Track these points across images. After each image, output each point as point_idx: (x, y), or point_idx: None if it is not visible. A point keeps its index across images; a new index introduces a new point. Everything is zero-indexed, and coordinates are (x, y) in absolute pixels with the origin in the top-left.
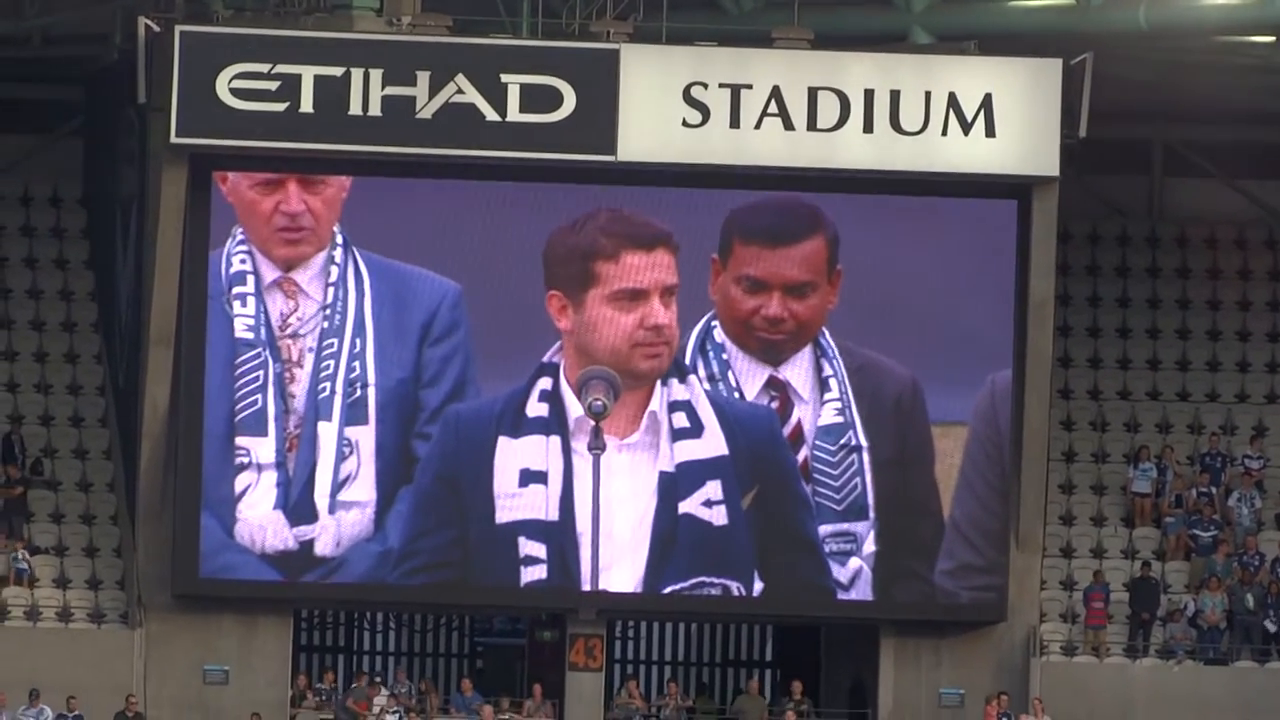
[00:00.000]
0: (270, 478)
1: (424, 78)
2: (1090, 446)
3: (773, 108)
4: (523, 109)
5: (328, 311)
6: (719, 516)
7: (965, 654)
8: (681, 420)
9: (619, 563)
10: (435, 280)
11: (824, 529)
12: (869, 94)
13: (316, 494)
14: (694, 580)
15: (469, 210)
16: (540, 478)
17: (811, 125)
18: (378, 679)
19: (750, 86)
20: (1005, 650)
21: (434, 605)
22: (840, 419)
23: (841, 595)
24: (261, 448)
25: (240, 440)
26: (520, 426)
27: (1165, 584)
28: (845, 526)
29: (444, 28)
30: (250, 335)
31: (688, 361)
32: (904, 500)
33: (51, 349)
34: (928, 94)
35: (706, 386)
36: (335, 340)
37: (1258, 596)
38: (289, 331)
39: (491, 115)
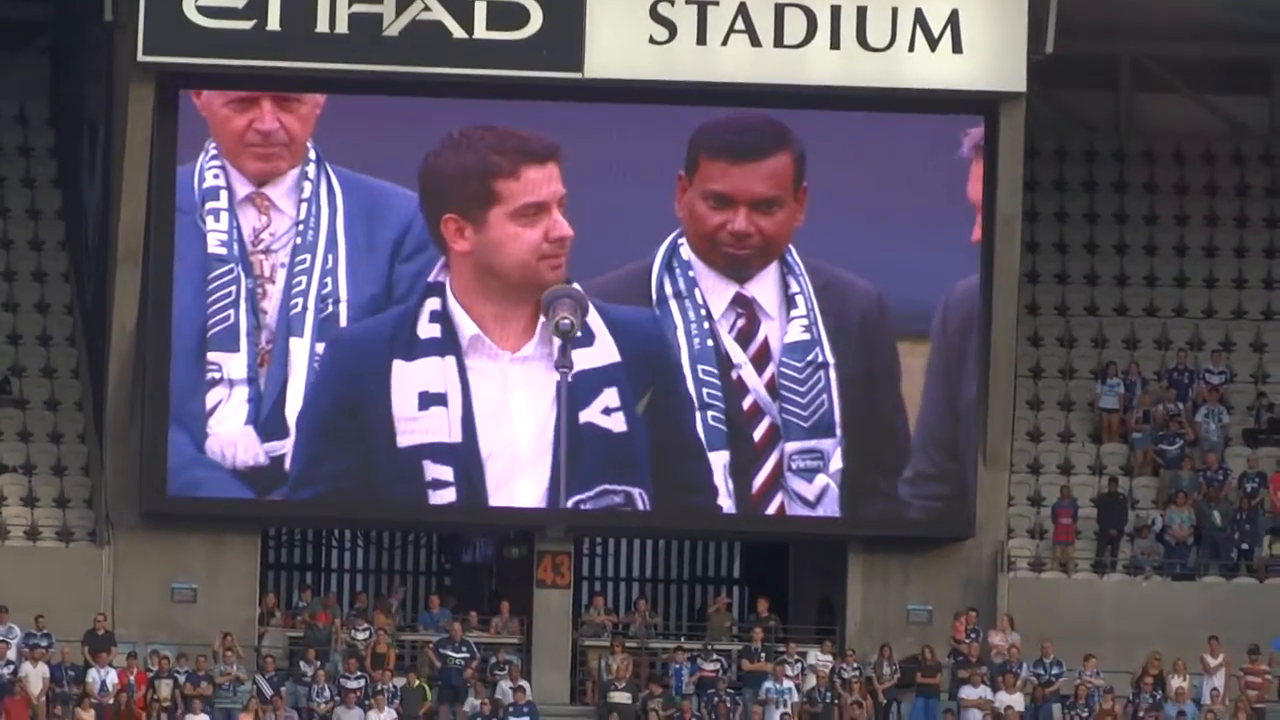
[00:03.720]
0: (242, 393)
1: None
2: (1058, 362)
3: (740, 24)
4: (490, 26)
5: (300, 227)
6: (618, 423)
7: (933, 570)
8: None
9: (523, 475)
10: (408, 196)
11: (790, 446)
12: (835, 10)
13: (288, 409)
14: (597, 489)
15: (442, 127)
16: (440, 400)
17: (778, 42)
18: (330, 593)
19: (717, 3)
20: (973, 566)
21: (400, 523)
22: (807, 336)
23: (808, 511)
24: (233, 363)
25: (212, 356)
26: (414, 348)
27: (1133, 499)
28: (812, 444)
29: None
30: (223, 250)
31: (654, 278)
32: (870, 417)
33: (19, 267)
34: (894, 10)
35: (673, 304)
36: (308, 256)
37: (1225, 514)
38: (261, 247)
39: (459, 32)
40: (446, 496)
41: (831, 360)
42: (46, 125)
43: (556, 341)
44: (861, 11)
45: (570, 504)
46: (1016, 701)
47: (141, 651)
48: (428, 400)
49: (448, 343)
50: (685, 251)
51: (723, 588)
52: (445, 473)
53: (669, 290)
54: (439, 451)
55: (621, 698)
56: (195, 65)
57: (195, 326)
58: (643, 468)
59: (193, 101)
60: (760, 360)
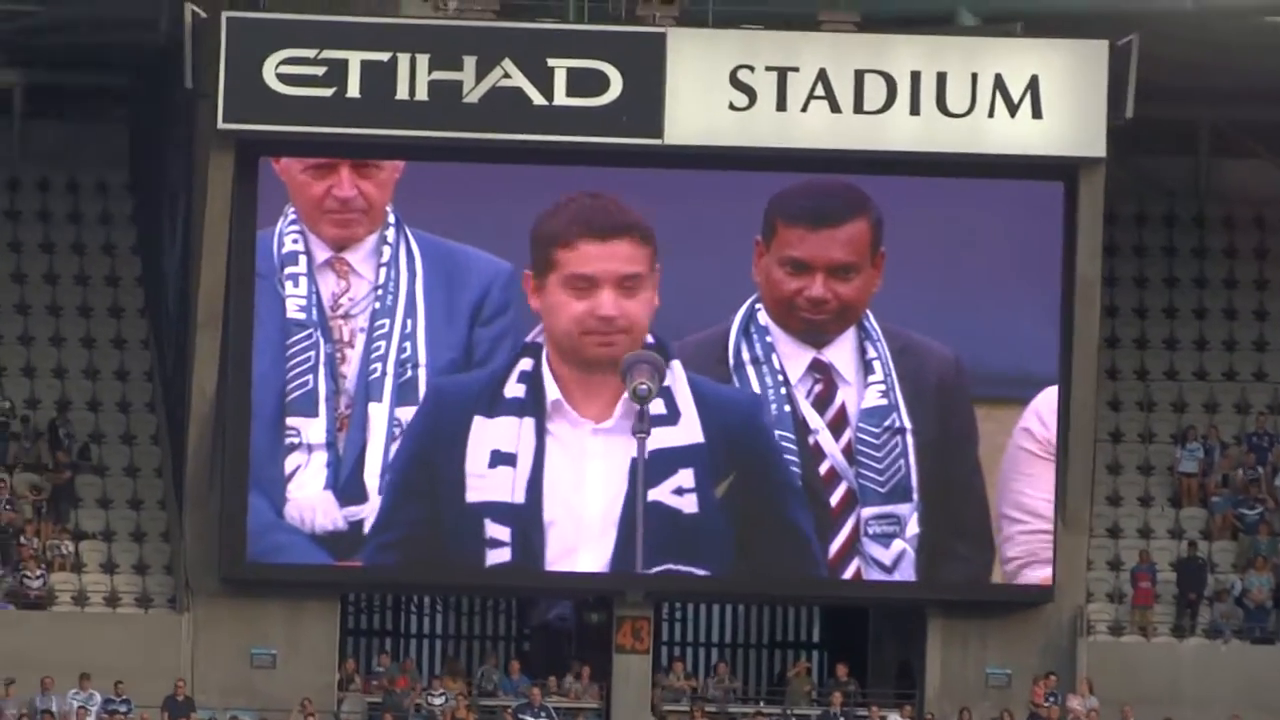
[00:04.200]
0: (320, 458)
1: (470, 62)
2: (1137, 427)
3: (819, 90)
4: (569, 93)
5: (379, 292)
6: (689, 504)
7: (1012, 634)
8: (659, 406)
9: (585, 547)
10: (487, 260)
11: (867, 511)
12: (915, 76)
13: (366, 474)
14: (661, 568)
15: (521, 191)
16: (509, 460)
17: (858, 108)
18: (406, 658)
19: (797, 69)
20: (1052, 631)
21: (486, 588)
22: (884, 401)
23: (884, 577)
24: (312, 428)
25: (291, 421)
26: (496, 406)
27: (1212, 563)
28: (889, 509)
29: (490, 12)
30: (302, 315)
31: (731, 344)
32: (948, 481)
33: (99, 334)
34: (974, 76)
35: (750, 370)
36: (387, 320)
37: None
38: (340, 312)
39: (538, 99)
40: (501, 557)
41: (909, 425)
42: (127, 192)
43: (634, 406)
44: (941, 77)
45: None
46: None
47: (221, 718)
48: (497, 459)
49: (530, 404)
50: (763, 317)
51: (802, 652)
52: (503, 533)
53: (746, 356)
54: (499, 511)
55: None
56: (275, 133)
57: (274, 391)
58: (712, 550)
59: (272, 167)
60: (837, 426)
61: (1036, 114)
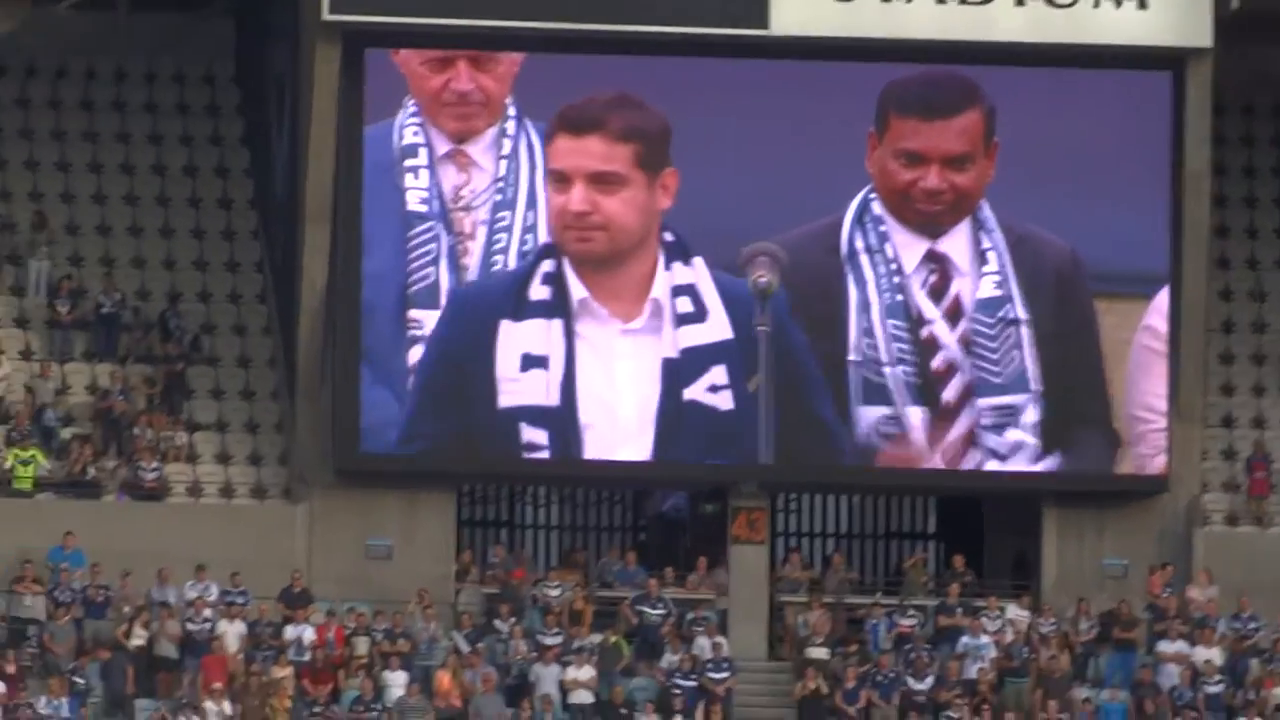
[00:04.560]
0: None
1: None
2: (1249, 316)
3: None
4: None
5: (500, 184)
6: (724, 401)
7: (1128, 525)
8: (686, 305)
9: (623, 447)
10: None
11: (982, 402)
12: None
13: None
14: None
15: (636, 83)
16: (541, 362)
17: None
18: (522, 549)
19: None
20: (1168, 521)
21: (599, 479)
22: (999, 292)
23: (1001, 467)
24: (434, 320)
25: (413, 313)
26: (522, 309)
27: None
28: (1005, 400)
29: None
30: (423, 208)
31: (844, 233)
32: (1066, 373)
33: (208, 226)
34: None
35: (863, 259)
36: (507, 213)
37: None
38: (461, 204)
39: None
40: (540, 458)
41: (1025, 316)
42: (233, 84)
43: (663, 306)
44: None
45: None
46: (1214, 656)
47: (338, 609)
48: (529, 362)
49: (556, 305)
50: (877, 207)
51: (918, 543)
52: (539, 436)
53: (859, 245)
54: (534, 414)
55: (819, 653)
56: (381, 24)
57: (395, 284)
58: (748, 446)
59: (381, 59)
60: (952, 316)
61: (1142, 4)
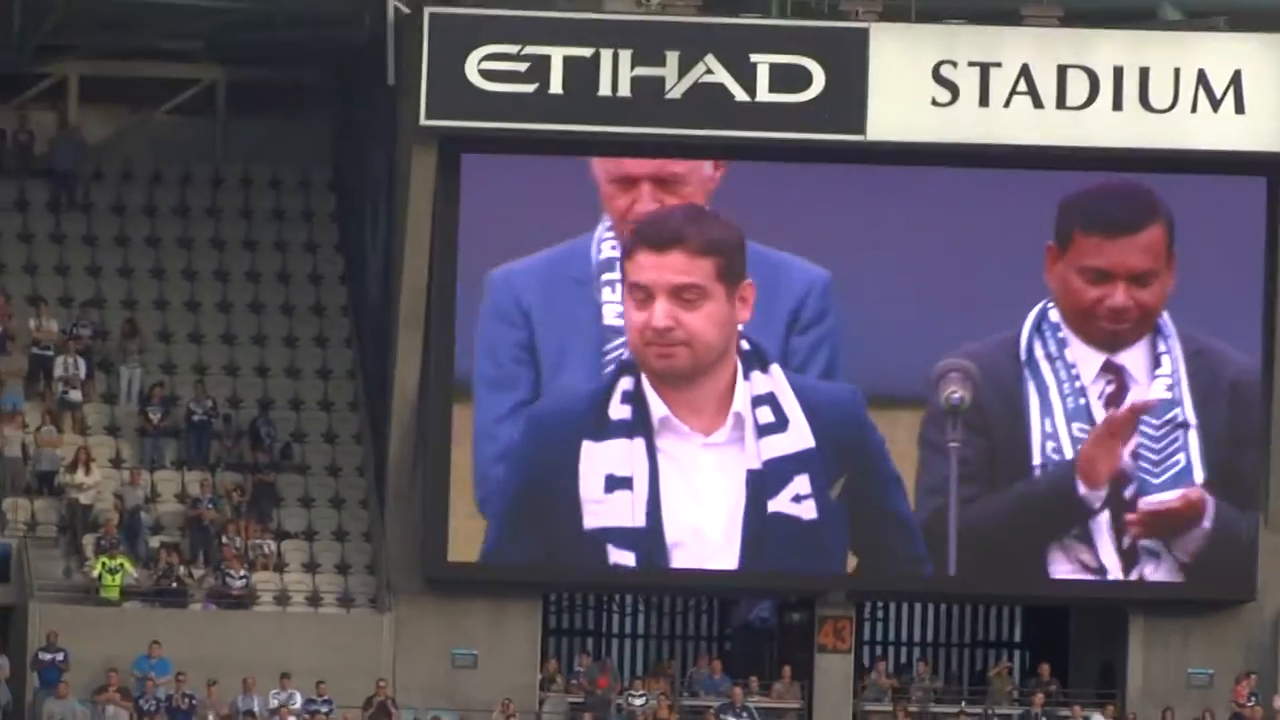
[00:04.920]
0: None
1: (673, 58)
2: None
3: (1021, 85)
4: (772, 89)
5: None
6: (808, 510)
7: (1215, 635)
8: (766, 415)
9: (710, 561)
10: (804, 267)
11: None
12: (1118, 71)
13: None
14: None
15: (837, 196)
16: (625, 483)
17: (1060, 103)
18: (607, 658)
19: (999, 64)
20: (1254, 630)
21: (685, 588)
22: (1169, 395)
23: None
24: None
25: None
26: (603, 429)
27: None
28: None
29: (693, 7)
30: (619, 322)
31: (1023, 343)
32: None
33: (301, 333)
34: (1176, 70)
35: (1044, 365)
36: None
37: None
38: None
39: (741, 95)
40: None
41: (1194, 420)
42: (329, 190)
43: (744, 418)
44: (1144, 72)
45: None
46: None
47: (423, 718)
48: (613, 483)
49: (637, 424)
50: (1054, 315)
51: (1003, 652)
52: (627, 557)
53: (1039, 353)
54: (621, 535)
55: None
56: (477, 129)
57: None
58: (831, 553)
59: (474, 163)
60: (1124, 430)
61: (1240, 109)
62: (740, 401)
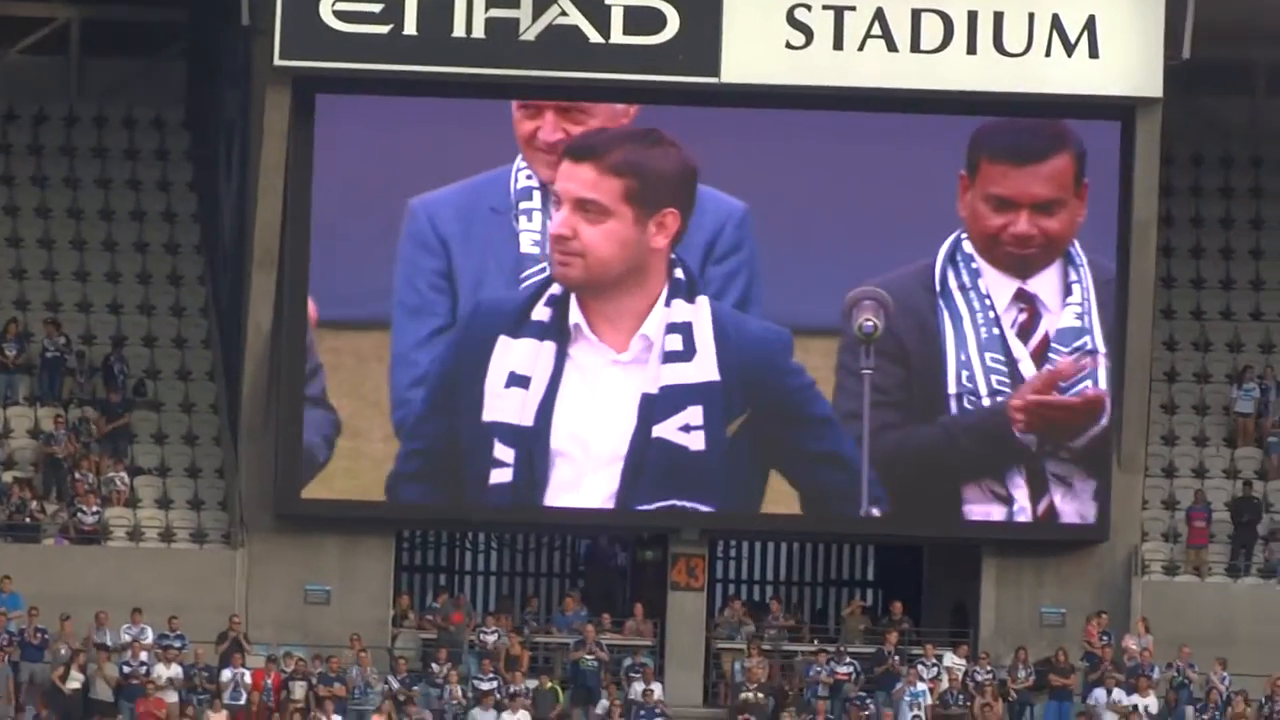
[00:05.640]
0: None
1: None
2: (1193, 367)
3: (876, 29)
4: (626, 31)
5: None
6: (696, 441)
7: (1067, 573)
8: (675, 343)
9: (590, 476)
10: (720, 198)
11: None
12: (973, 15)
13: None
14: (663, 503)
15: (753, 135)
16: (523, 381)
17: (915, 47)
18: (460, 594)
19: (854, 8)
20: (1107, 569)
21: (530, 525)
22: (1079, 324)
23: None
24: None
25: None
26: (521, 328)
27: (1267, 503)
28: None
29: None
30: (535, 250)
31: (937, 273)
32: None
33: (155, 270)
34: (1031, 14)
35: (958, 295)
36: None
37: None
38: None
39: (595, 37)
40: (503, 477)
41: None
42: (183, 129)
43: (650, 342)
44: (999, 16)
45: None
46: (1150, 704)
47: (275, 653)
48: (513, 380)
49: (553, 328)
50: (968, 246)
51: (857, 590)
52: (507, 454)
53: (953, 283)
54: (507, 432)
55: (755, 700)
56: (331, 70)
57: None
58: (714, 488)
59: (328, 104)
60: (1039, 355)
61: (1094, 53)
62: (652, 325)
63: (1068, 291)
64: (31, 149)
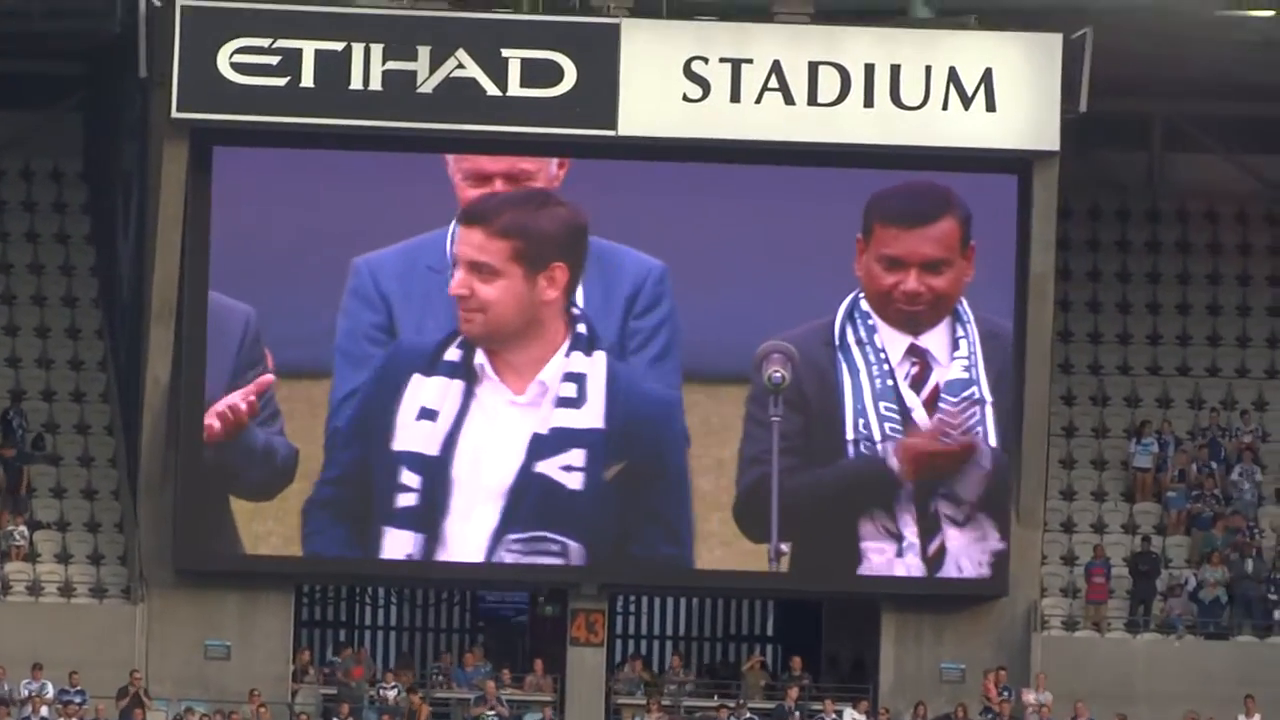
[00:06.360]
0: None
1: (425, 52)
2: (1091, 421)
3: (773, 82)
4: (523, 83)
5: None
6: (574, 481)
7: (966, 629)
8: (569, 390)
9: (480, 505)
10: (638, 258)
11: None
12: (869, 68)
13: None
14: (534, 533)
15: (673, 192)
16: (431, 415)
17: (812, 100)
18: (361, 649)
19: (751, 61)
20: (1006, 625)
21: (431, 580)
22: (966, 375)
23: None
24: None
25: None
26: (435, 367)
27: (1166, 559)
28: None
29: (444, 2)
30: None
31: (837, 329)
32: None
33: (53, 324)
34: (928, 68)
35: (855, 350)
36: None
37: (1258, 568)
38: None
39: (492, 90)
40: (408, 501)
41: (990, 398)
42: (81, 181)
43: (545, 388)
44: (895, 70)
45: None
46: None
47: (175, 709)
48: (423, 414)
49: (462, 368)
50: (865, 305)
51: (756, 645)
52: (414, 480)
53: (851, 338)
54: (414, 460)
55: None
56: (229, 122)
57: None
58: (585, 527)
59: (225, 157)
60: (931, 404)
61: (990, 107)
62: (550, 372)
63: (955, 346)
64: None
